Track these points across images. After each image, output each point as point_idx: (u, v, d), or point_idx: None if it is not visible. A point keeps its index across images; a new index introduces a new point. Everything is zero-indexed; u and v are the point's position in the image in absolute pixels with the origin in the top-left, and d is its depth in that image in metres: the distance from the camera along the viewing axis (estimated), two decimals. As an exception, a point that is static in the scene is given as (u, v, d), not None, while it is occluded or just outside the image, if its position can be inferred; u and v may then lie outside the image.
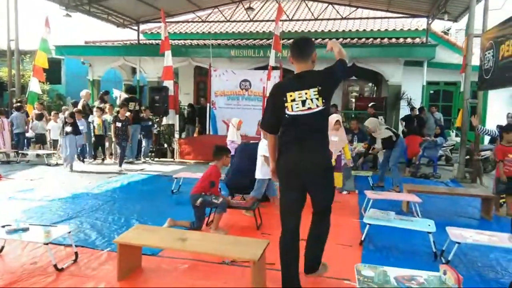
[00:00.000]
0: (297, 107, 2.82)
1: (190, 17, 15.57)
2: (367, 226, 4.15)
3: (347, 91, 17.33)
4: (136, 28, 14.61)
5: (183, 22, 15.91)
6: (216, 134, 10.47)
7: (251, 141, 6.82)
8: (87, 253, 3.80)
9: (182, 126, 11.90)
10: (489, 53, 7.00)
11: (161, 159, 10.22)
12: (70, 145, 8.30)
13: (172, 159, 10.16)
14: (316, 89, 2.81)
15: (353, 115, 12.57)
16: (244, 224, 4.83)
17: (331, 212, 3.17)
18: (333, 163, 5.91)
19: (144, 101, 12.87)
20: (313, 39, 3.04)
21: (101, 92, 11.29)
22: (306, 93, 2.81)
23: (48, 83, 14.63)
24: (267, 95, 10.03)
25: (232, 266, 3.55)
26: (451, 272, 2.58)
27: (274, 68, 10.06)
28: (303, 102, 2.81)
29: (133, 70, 14.86)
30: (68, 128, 8.27)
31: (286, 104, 2.83)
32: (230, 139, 7.56)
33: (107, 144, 9.83)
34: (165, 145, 10.47)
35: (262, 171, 5.27)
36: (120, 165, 8.61)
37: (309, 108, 2.81)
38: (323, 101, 2.82)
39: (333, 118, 5.97)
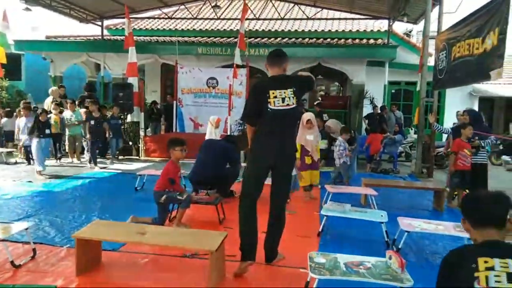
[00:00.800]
0: (278, 103, 3.30)
1: (156, 14, 15.42)
2: (325, 218, 4.33)
3: (314, 89, 17.68)
4: (100, 23, 14.30)
5: (148, 18, 15.74)
6: (183, 132, 10.45)
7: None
8: (45, 249, 3.75)
9: (147, 123, 11.77)
10: (442, 54, 7.40)
11: (126, 157, 10.08)
12: (45, 148, 7.61)
13: (137, 157, 10.05)
14: (292, 89, 3.34)
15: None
16: (206, 219, 4.89)
17: (285, 211, 3.59)
18: (309, 161, 5.96)
19: (110, 98, 12.64)
20: (285, 53, 3.58)
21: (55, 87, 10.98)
22: (285, 92, 3.32)
23: (7, 79, 14.06)
24: (234, 93, 10.16)
25: (193, 259, 3.61)
26: (396, 257, 2.77)
27: (240, 66, 10.15)
28: (283, 99, 3.31)
29: (98, 67, 14.55)
30: (48, 130, 7.61)
31: (269, 100, 3.30)
32: (208, 137, 7.50)
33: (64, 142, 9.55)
34: (130, 143, 10.33)
35: None
36: (95, 164, 8.48)
37: (288, 105, 3.31)
38: (297, 100, 3.35)
39: (305, 116, 6.05)
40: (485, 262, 1.67)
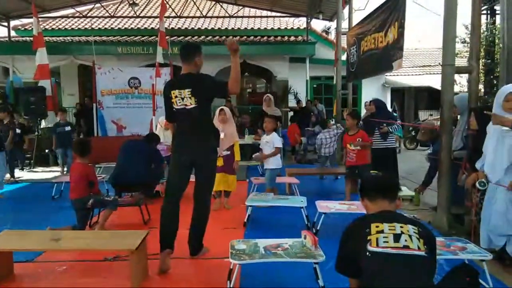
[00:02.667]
0: (179, 103, 3.37)
1: (70, 12, 14.56)
2: (249, 208, 4.46)
3: (243, 86, 17.87)
4: (6, 24, 13.14)
5: (62, 17, 14.78)
6: (106, 136, 9.99)
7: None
8: None
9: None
10: (353, 49, 7.93)
11: (42, 166, 9.37)
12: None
13: (56, 165, 9.40)
14: (189, 89, 3.33)
15: (250, 110, 13.08)
16: (130, 222, 4.76)
17: (210, 203, 3.67)
18: (219, 162, 4.97)
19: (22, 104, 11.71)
20: (198, 45, 3.56)
21: None
22: (183, 92, 3.34)
23: None
24: (158, 92, 9.92)
25: (115, 262, 3.52)
26: (309, 235, 2.96)
27: (164, 65, 9.95)
28: (182, 99, 3.35)
29: (6, 71, 13.38)
30: None
31: (172, 100, 3.38)
32: (162, 140, 7.09)
33: None
34: (47, 150, 9.63)
35: (274, 162, 5.36)
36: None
37: (186, 105, 3.35)
38: (196, 100, 3.32)
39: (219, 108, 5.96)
40: (377, 226, 1.92)
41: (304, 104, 12.17)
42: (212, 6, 14.30)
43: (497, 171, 3.23)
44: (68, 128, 8.22)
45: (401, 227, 1.89)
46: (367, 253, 1.84)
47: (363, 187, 2.21)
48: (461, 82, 13.20)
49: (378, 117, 6.19)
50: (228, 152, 5.20)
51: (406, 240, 1.84)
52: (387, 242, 1.85)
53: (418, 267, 1.80)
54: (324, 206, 4.18)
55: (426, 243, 1.86)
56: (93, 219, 4.56)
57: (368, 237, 1.88)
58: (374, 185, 2.14)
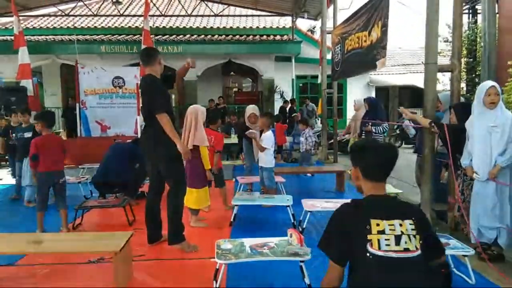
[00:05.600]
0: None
1: (52, 11, 14.30)
2: (235, 207, 4.44)
3: (229, 85, 17.82)
4: (-15, 22, 12.86)
5: (43, 16, 14.51)
6: (89, 136, 9.84)
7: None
8: None
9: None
10: (338, 48, 7.97)
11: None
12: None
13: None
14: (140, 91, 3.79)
15: (236, 109, 13.05)
16: (115, 223, 4.70)
17: (178, 197, 3.77)
18: None
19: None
20: (156, 50, 3.88)
21: None
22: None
23: None
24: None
25: (99, 264, 3.46)
26: (295, 234, 2.96)
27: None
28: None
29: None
30: None
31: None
32: None
33: None
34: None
35: (271, 161, 5.14)
36: None
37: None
38: (143, 99, 3.64)
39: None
40: (377, 225, 1.74)
41: (289, 104, 12.19)
42: (197, 5, 14.22)
43: (486, 167, 3.26)
44: (28, 135, 5.90)
45: (400, 225, 1.77)
46: (368, 254, 1.72)
47: (362, 157, 1.90)
48: (443, 81, 13.41)
49: (368, 116, 6.24)
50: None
51: (406, 242, 1.73)
52: (389, 245, 1.72)
53: (416, 268, 1.73)
54: (310, 204, 4.19)
55: (422, 238, 1.77)
56: (76, 220, 4.48)
57: (369, 236, 1.73)
58: (381, 163, 1.86)
